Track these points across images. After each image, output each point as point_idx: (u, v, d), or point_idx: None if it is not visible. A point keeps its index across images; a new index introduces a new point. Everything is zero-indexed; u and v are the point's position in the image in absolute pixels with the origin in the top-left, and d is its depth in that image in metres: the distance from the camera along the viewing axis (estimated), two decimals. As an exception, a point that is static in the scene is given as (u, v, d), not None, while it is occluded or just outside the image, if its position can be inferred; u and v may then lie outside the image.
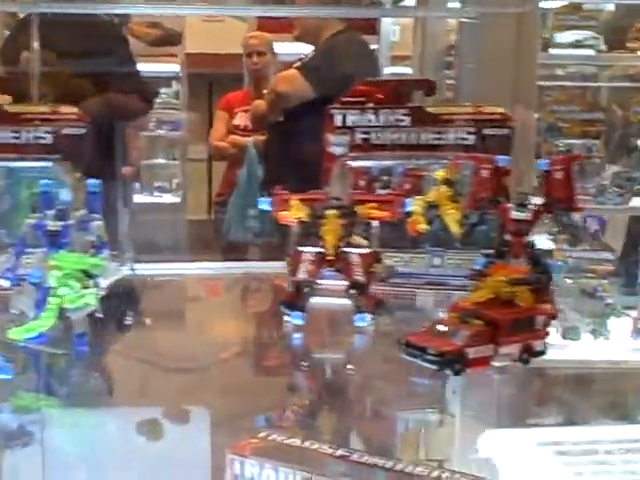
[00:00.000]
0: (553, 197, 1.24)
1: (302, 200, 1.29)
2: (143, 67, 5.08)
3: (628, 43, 2.64)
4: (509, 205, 1.26)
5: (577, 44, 2.63)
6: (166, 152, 5.55)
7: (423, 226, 1.21)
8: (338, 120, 1.55)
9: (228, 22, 5.13)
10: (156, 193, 5.58)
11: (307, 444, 0.85)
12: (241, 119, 3.89)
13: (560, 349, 2.99)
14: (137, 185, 5.08)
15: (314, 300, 1.29)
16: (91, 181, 1.36)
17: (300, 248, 1.28)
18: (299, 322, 1.28)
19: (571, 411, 1.12)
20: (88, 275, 1.18)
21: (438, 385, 1.08)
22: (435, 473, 0.76)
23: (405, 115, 1.52)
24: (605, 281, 2.99)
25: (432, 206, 1.22)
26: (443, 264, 1.46)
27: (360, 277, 1.26)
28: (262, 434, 0.86)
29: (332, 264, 1.27)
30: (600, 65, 2.92)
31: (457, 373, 1.04)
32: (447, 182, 1.22)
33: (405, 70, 3.55)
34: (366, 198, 1.31)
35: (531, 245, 1.26)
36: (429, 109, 1.52)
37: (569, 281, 3.04)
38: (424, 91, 1.54)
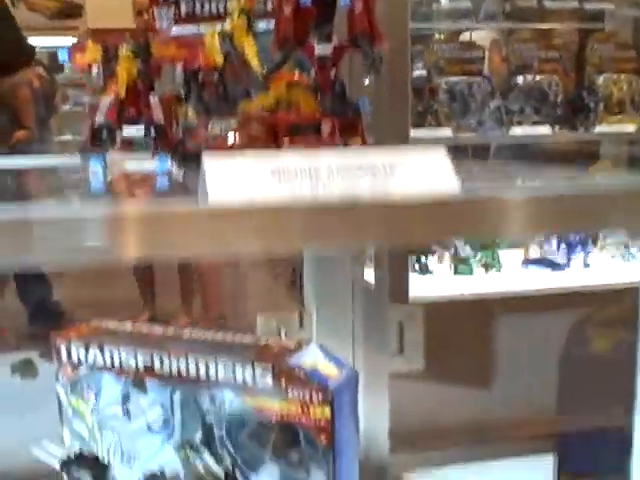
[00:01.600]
0: (356, 31, 1.22)
1: None
2: (45, 41, 4.97)
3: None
4: (313, 43, 1.23)
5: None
6: (73, 128, 5.41)
7: (218, 58, 1.16)
8: None
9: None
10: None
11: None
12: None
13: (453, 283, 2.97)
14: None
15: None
16: None
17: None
18: None
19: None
20: None
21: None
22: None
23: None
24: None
25: (227, 37, 1.17)
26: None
27: None
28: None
29: None
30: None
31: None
32: (243, 12, 1.18)
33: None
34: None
35: (338, 81, 1.24)
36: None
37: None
38: None
